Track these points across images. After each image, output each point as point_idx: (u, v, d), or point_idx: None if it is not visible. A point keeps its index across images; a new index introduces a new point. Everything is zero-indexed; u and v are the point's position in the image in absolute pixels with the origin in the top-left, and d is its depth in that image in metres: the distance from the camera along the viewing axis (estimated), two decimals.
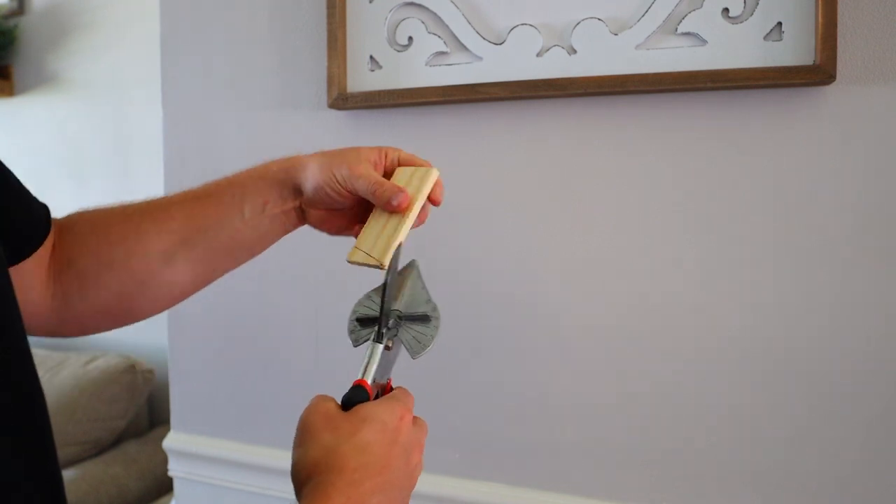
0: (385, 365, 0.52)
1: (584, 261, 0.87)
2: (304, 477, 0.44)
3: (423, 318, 0.55)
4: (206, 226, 0.60)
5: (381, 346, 0.51)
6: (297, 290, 1.02)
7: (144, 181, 2.12)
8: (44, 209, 0.59)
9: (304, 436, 0.46)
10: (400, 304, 0.56)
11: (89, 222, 0.61)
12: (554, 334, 0.89)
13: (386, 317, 0.54)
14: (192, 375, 1.11)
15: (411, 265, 0.60)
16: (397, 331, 0.54)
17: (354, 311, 0.56)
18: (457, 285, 0.91)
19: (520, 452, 0.91)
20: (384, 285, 0.55)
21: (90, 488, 1.77)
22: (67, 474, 1.78)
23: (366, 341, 0.53)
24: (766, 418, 0.81)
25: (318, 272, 1.01)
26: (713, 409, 0.83)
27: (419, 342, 0.54)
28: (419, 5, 0.89)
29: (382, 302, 0.54)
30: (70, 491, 1.71)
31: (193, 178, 1.05)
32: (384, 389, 0.53)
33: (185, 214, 0.60)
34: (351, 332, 0.55)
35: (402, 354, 0.55)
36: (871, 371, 0.76)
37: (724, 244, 0.81)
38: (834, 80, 0.73)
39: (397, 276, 0.57)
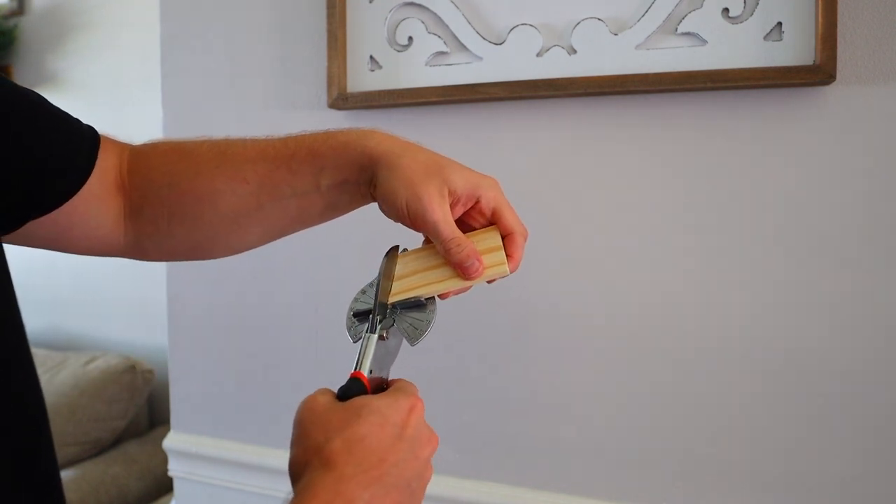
0: (382, 357, 0.51)
1: (583, 261, 0.87)
2: (297, 475, 0.44)
3: (418, 305, 0.54)
4: (280, 194, 0.58)
5: (374, 337, 0.50)
6: (297, 290, 1.02)
7: None
8: (90, 141, 0.57)
9: (297, 431, 0.45)
10: (395, 294, 0.55)
11: (159, 165, 0.59)
12: (554, 334, 0.89)
13: (381, 307, 0.53)
14: (192, 375, 1.11)
15: (397, 250, 0.59)
16: (393, 320, 0.53)
17: (351, 308, 0.56)
18: None
19: (520, 452, 0.91)
20: (377, 277, 0.54)
21: (90, 488, 1.77)
22: (67, 474, 1.78)
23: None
24: (766, 418, 0.81)
25: (317, 271, 1.01)
26: (713, 409, 0.83)
27: (416, 328, 0.53)
28: (419, 5, 0.89)
29: (376, 293, 0.53)
30: (70, 491, 1.71)
31: None
32: (384, 383, 0.51)
33: (259, 178, 0.58)
34: (349, 328, 0.55)
35: (404, 347, 0.54)
36: (873, 371, 0.76)
37: (725, 244, 0.81)
38: (834, 80, 0.73)
39: (387, 265, 0.56)
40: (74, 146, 0.56)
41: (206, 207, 0.58)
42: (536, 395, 0.90)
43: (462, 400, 0.94)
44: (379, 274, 0.55)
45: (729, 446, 0.82)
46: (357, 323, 0.54)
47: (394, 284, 0.55)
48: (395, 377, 0.52)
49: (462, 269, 0.54)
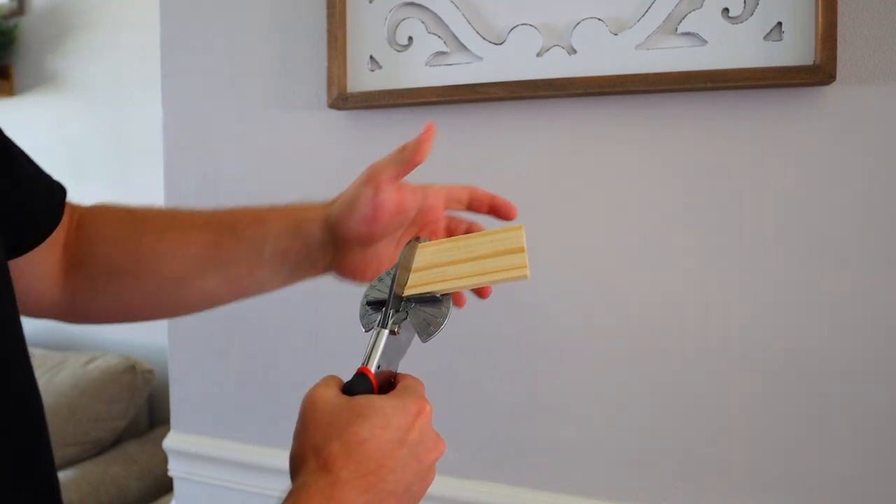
0: (392, 352, 0.49)
1: (583, 260, 0.87)
2: (293, 468, 0.43)
3: (433, 300, 0.52)
4: (222, 260, 0.58)
5: (385, 332, 0.49)
6: (297, 290, 1.02)
7: (144, 181, 2.12)
8: (59, 195, 0.57)
9: (299, 424, 0.44)
10: (410, 287, 0.53)
11: (106, 223, 0.60)
12: (553, 334, 0.89)
13: (395, 300, 0.51)
14: (192, 375, 1.11)
15: (418, 241, 0.57)
16: (407, 314, 0.51)
17: (365, 295, 0.54)
18: None
19: (520, 452, 0.91)
20: (395, 267, 0.53)
21: (90, 488, 1.77)
22: (67, 474, 1.78)
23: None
24: (766, 418, 0.81)
25: None
26: (714, 409, 0.83)
27: (429, 324, 0.51)
28: (419, 5, 0.89)
29: (392, 284, 0.51)
30: (70, 491, 1.71)
31: (193, 178, 1.06)
32: (392, 377, 0.50)
33: (203, 243, 0.58)
34: (361, 316, 0.53)
35: (413, 344, 0.53)
36: (873, 371, 0.76)
37: (725, 244, 0.81)
38: (834, 80, 0.73)
39: (407, 255, 0.55)
40: (48, 196, 0.57)
41: (148, 268, 0.58)
42: (536, 395, 0.90)
43: (462, 400, 0.94)
44: (397, 263, 0.53)
45: (729, 446, 0.82)
46: (370, 311, 0.52)
47: (410, 276, 0.54)
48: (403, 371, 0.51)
49: (418, 152, 0.54)
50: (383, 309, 0.50)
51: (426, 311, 0.52)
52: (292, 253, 0.58)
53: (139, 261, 0.58)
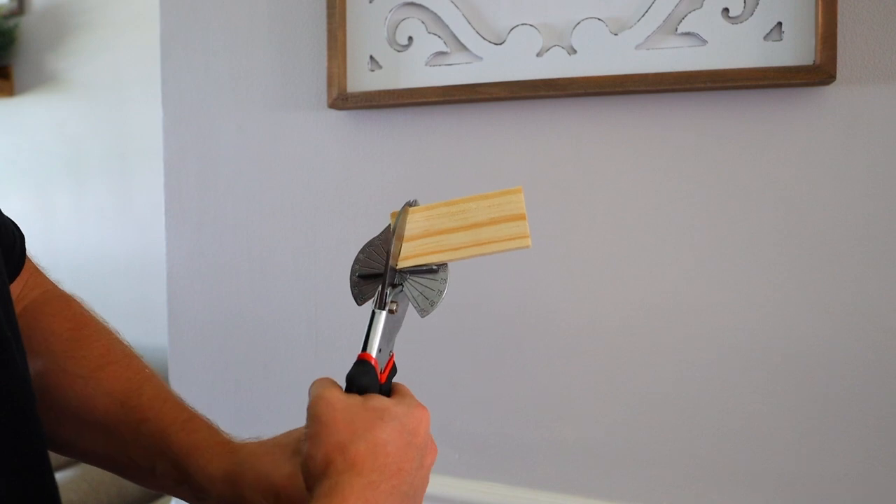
0: (390, 330, 0.47)
1: (584, 261, 0.87)
2: (317, 473, 0.43)
3: (429, 270, 0.49)
4: (115, 466, 0.57)
5: (384, 314, 0.46)
6: (296, 290, 1.02)
7: (144, 181, 2.12)
8: (20, 244, 0.56)
9: (316, 427, 0.43)
10: (405, 258, 0.50)
11: (46, 334, 0.56)
12: (554, 334, 0.89)
13: (391, 273, 0.48)
14: (192, 375, 1.11)
15: (411, 206, 0.53)
16: (402, 287, 0.49)
17: (355, 269, 0.50)
18: (456, 285, 0.91)
19: (520, 452, 0.91)
20: (388, 235, 0.49)
21: (90, 488, 1.76)
22: (67, 474, 1.77)
23: (371, 298, 0.48)
24: (766, 419, 0.81)
25: (317, 271, 1.01)
26: (714, 410, 0.83)
27: (427, 298, 0.48)
28: (419, 5, 0.89)
29: (387, 258, 0.48)
30: (70, 491, 1.71)
31: (193, 178, 1.06)
32: (389, 362, 0.48)
33: (104, 437, 0.56)
34: (353, 288, 0.50)
35: (409, 314, 0.50)
36: (873, 372, 0.76)
37: (725, 244, 0.81)
38: (834, 80, 0.73)
39: (400, 224, 0.50)
40: (13, 245, 0.56)
41: (55, 399, 0.55)
42: (536, 395, 0.90)
43: (462, 400, 0.94)
44: (391, 232, 0.50)
45: (729, 446, 0.82)
46: (362, 283, 0.49)
47: (403, 246, 0.50)
48: (400, 375, 0.51)
49: None
50: (379, 287, 0.47)
51: (423, 283, 0.49)
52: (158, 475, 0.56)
53: (53, 388, 0.55)
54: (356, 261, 0.51)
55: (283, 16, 0.99)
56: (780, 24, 0.75)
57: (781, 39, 0.75)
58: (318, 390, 0.45)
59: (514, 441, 0.92)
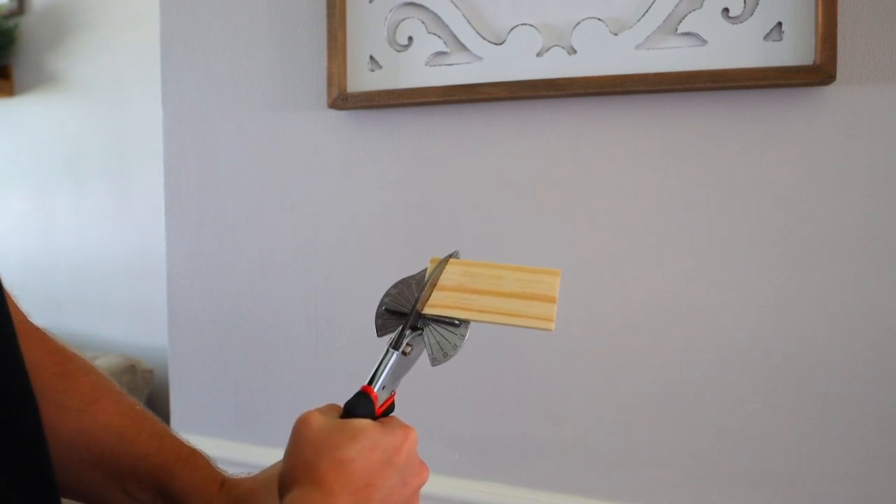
0: (399, 370, 0.48)
1: (584, 261, 0.87)
2: (283, 486, 0.44)
3: (451, 323, 0.50)
4: (105, 500, 0.56)
5: (397, 354, 0.48)
6: (296, 290, 1.02)
7: (144, 181, 2.12)
8: None
9: (290, 445, 0.45)
10: (432, 306, 0.51)
11: (38, 352, 0.55)
12: (554, 334, 0.89)
13: (415, 317, 0.49)
14: (192, 375, 1.11)
15: (453, 257, 0.54)
16: (422, 331, 0.50)
17: (384, 303, 0.51)
18: None
19: (520, 452, 0.91)
20: (424, 280, 0.51)
21: None
22: None
23: (390, 333, 0.49)
24: (766, 419, 0.81)
25: (317, 272, 1.01)
26: (714, 410, 0.83)
27: (442, 349, 0.49)
28: (419, 5, 0.89)
29: (416, 301, 0.49)
30: None
31: (193, 178, 1.06)
32: (389, 399, 0.49)
33: (99, 472, 0.55)
34: (378, 317, 0.51)
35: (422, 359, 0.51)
36: (873, 372, 0.76)
37: (725, 244, 0.81)
38: (834, 80, 0.73)
39: (438, 272, 0.52)
40: None
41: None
42: (537, 395, 0.90)
43: (462, 400, 0.94)
44: (426, 277, 0.51)
45: (729, 446, 0.82)
46: (387, 317, 0.51)
47: (433, 293, 0.51)
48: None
49: None
50: (400, 328, 0.49)
51: (442, 333, 0.50)
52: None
53: (47, 422, 0.53)
54: (387, 294, 0.52)
55: (283, 16, 0.99)
56: (780, 24, 0.75)
57: (781, 39, 0.75)
58: (305, 412, 0.46)
59: (514, 441, 0.92)
